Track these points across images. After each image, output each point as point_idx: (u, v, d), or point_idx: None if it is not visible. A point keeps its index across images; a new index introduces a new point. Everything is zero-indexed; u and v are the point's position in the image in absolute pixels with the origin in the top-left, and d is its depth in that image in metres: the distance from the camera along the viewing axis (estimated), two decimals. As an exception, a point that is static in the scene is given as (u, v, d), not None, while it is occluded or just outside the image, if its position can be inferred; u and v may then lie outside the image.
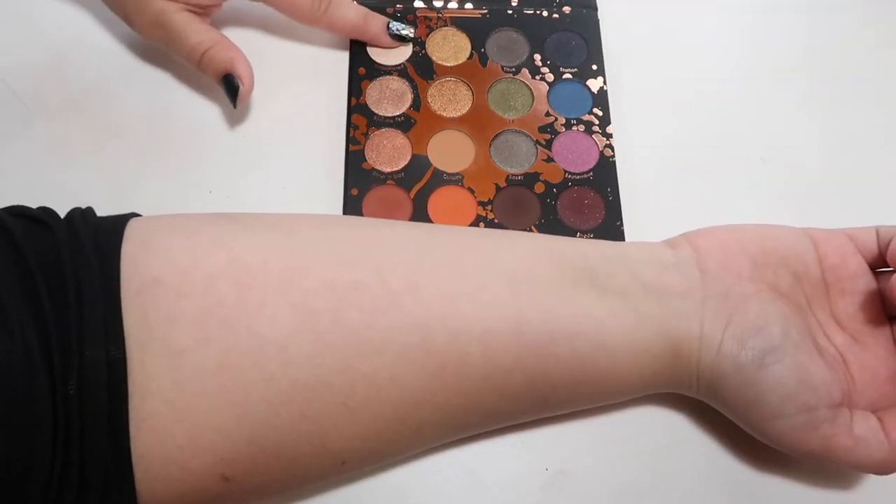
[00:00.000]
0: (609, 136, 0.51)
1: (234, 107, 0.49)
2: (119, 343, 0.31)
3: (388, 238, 0.38)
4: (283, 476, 0.35)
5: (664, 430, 0.43)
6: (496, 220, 0.48)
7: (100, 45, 0.53)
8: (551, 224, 0.48)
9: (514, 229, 0.47)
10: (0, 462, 0.28)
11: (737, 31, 0.58)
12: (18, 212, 0.34)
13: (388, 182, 0.49)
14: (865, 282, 0.40)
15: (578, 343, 0.37)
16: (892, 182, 0.52)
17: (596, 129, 0.51)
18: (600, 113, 0.52)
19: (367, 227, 0.39)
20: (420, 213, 0.48)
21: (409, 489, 0.40)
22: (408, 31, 0.53)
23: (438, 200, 0.48)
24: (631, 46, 0.56)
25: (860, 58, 0.57)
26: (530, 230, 0.47)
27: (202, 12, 0.49)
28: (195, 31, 0.48)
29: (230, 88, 0.48)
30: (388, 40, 0.53)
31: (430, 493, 0.41)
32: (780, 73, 0.56)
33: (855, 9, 0.60)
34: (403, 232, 0.39)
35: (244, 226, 0.36)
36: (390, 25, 0.53)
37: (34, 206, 0.35)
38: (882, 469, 0.37)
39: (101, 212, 0.36)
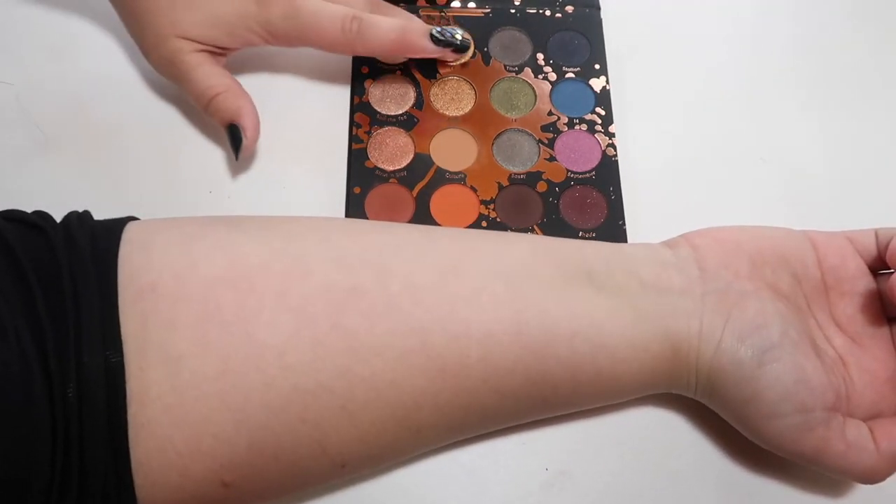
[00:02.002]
0: (611, 135, 0.51)
1: (236, 158, 0.47)
2: (117, 348, 0.31)
3: (387, 241, 0.38)
4: (283, 480, 0.35)
5: (663, 431, 0.43)
6: (498, 219, 0.48)
7: (98, 49, 0.53)
8: (553, 223, 0.48)
9: (516, 228, 0.47)
10: (0, 469, 0.28)
11: (738, 32, 0.58)
12: (13, 216, 0.34)
13: (391, 181, 0.49)
14: (865, 283, 0.41)
15: (578, 343, 0.37)
16: (892, 183, 0.52)
17: (598, 128, 0.51)
18: (603, 112, 0.52)
19: (366, 230, 0.39)
20: (422, 212, 0.48)
21: (409, 490, 0.41)
22: (452, 34, 0.49)
23: (441, 199, 0.48)
24: (633, 46, 0.56)
25: (861, 58, 0.57)
26: (532, 229, 0.47)
27: (218, 53, 0.48)
28: (206, 74, 0.47)
29: (234, 139, 0.47)
30: (432, 48, 0.49)
31: (430, 493, 0.41)
32: (780, 74, 0.56)
33: (856, 9, 0.59)
34: (402, 234, 0.39)
35: (242, 229, 0.36)
36: (433, 31, 0.49)
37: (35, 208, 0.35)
38: (869, 477, 0.37)
39: (100, 211, 0.36)
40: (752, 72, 0.56)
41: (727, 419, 0.40)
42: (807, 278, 0.40)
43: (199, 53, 0.47)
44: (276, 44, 0.48)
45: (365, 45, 0.48)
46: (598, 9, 0.56)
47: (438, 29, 0.49)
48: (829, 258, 0.41)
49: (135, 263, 0.33)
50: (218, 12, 0.46)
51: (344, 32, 0.47)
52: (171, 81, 0.48)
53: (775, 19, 0.59)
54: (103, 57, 0.53)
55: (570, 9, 0.56)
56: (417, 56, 0.51)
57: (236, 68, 0.50)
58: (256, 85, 0.49)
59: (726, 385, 0.37)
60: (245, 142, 0.47)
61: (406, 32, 0.48)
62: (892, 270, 0.39)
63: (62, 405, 0.30)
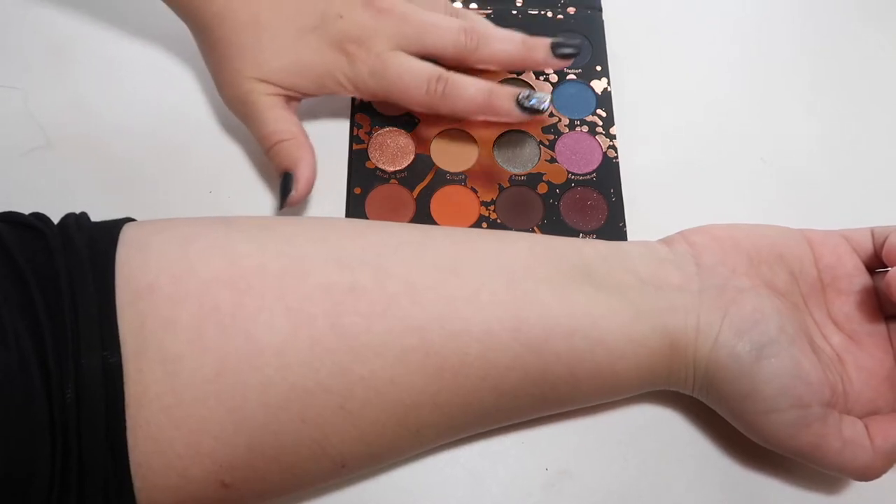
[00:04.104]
0: (612, 137, 0.51)
1: (280, 207, 0.46)
2: (115, 349, 0.31)
3: (385, 241, 0.38)
4: (283, 480, 0.35)
5: (663, 430, 0.43)
6: (499, 221, 0.48)
7: (100, 51, 0.53)
8: (554, 225, 0.48)
9: (516, 230, 0.47)
10: (0, 472, 0.28)
11: (739, 33, 0.58)
12: (11, 218, 0.34)
13: (392, 181, 0.49)
14: (862, 281, 0.41)
15: (576, 340, 0.37)
16: (891, 182, 0.52)
17: (599, 130, 0.51)
18: (604, 114, 0.52)
19: (364, 231, 0.39)
20: (423, 213, 0.48)
21: (409, 489, 0.41)
22: (539, 102, 0.47)
23: (441, 200, 0.48)
24: (635, 48, 0.56)
25: (860, 59, 0.57)
26: (533, 230, 0.47)
27: (292, 96, 0.47)
28: (274, 119, 0.46)
29: (284, 187, 0.46)
30: (518, 114, 0.48)
31: (430, 493, 0.41)
32: (781, 75, 0.56)
33: (856, 10, 0.59)
34: (400, 234, 0.39)
35: (240, 230, 0.36)
36: (520, 97, 0.47)
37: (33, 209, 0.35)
38: (864, 474, 0.37)
39: (99, 211, 0.37)
40: (752, 73, 0.56)
41: (724, 416, 0.40)
42: (804, 276, 0.41)
43: (273, 97, 0.46)
44: (359, 96, 0.48)
45: (449, 107, 0.47)
46: (600, 10, 0.56)
47: (525, 93, 0.47)
48: (825, 256, 0.41)
49: (132, 265, 0.33)
50: (306, 61, 0.46)
51: (429, 94, 0.47)
52: (237, 117, 0.48)
53: (776, 21, 0.59)
54: (104, 59, 0.53)
55: (571, 10, 0.56)
56: (500, 120, 0.50)
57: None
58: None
59: (724, 380, 0.38)
60: (293, 194, 0.45)
61: (492, 96, 0.47)
62: (888, 268, 0.39)
63: (61, 408, 0.30)
